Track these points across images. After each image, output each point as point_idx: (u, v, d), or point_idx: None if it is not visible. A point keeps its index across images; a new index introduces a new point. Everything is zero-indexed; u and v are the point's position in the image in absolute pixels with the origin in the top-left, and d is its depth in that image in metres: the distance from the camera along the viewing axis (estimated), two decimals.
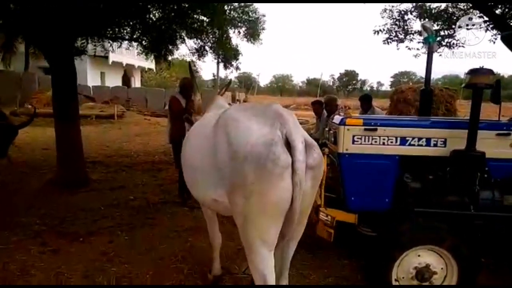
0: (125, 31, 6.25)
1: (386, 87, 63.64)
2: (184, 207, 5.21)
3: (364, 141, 3.15)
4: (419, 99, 4.19)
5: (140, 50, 6.95)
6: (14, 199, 5.37)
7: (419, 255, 2.83)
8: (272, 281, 2.01)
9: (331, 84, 67.35)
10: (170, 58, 7.45)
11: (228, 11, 7.29)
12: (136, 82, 30.01)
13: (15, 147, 6.65)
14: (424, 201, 3.16)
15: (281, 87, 69.84)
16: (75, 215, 4.85)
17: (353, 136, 3.14)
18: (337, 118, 3.42)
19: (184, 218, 4.84)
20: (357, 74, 67.88)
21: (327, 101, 6.10)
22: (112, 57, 23.33)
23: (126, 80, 28.18)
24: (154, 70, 32.39)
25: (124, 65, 26.39)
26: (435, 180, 3.19)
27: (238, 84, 57.00)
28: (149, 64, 27.28)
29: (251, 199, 1.93)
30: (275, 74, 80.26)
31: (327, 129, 3.82)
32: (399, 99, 15.12)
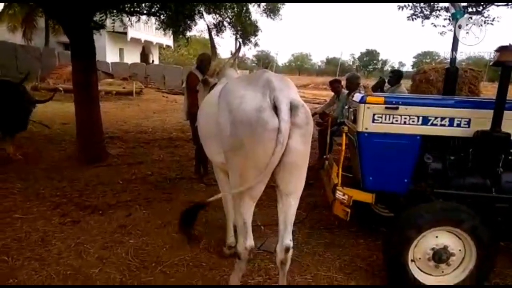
0: (143, 5, 6.19)
1: (408, 67, 62.02)
2: (201, 183, 5.26)
3: (385, 120, 3.07)
4: (441, 80, 4.07)
5: (158, 25, 6.88)
6: (35, 172, 5.50)
7: (437, 236, 2.78)
8: (249, 224, 2.49)
9: (351, 63, 66.09)
10: (188, 34, 7.37)
11: None
12: (154, 59, 30.03)
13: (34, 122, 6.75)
14: (444, 182, 3.10)
15: (299, 66, 68.91)
16: (94, 188, 4.95)
17: (374, 115, 3.07)
18: (357, 96, 3.34)
19: (201, 194, 4.88)
20: (378, 53, 66.40)
21: (349, 78, 5.98)
22: (131, 34, 23.36)
23: (144, 56, 28.22)
24: (172, 47, 32.30)
25: (142, 41, 26.40)
26: (457, 161, 3.12)
27: (256, 62, 56.46)
28: (167, 41, 27.21)
29: (246, 158, 2.23)
30: (293, 52, 78.99)
31: (346, 107, 3.74)
32: (421, 79, 14.77)
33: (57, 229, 3.76)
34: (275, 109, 2.15)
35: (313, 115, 6.52)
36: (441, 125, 3.05)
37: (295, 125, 2.20)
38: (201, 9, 6.55)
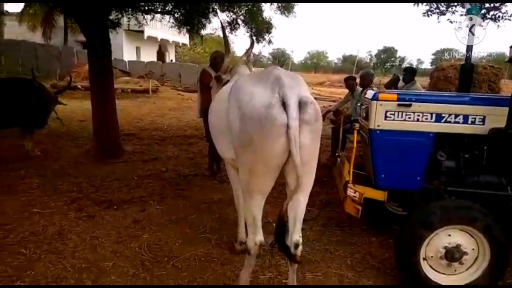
0: (157, 4, 6.26)
1: (427, 64, 61.06)
2: (214, 180, 5.30)
3: (397, 117, 3.05)
4: None
5: (173, 23, 6.95)
6: (53, 167, 5.63)
7: (449, 235, 2.75)
8: (259, 220, 2.51)
9: (368, 61, 65.39)
10: (203, 32, 7.42)
11: None
12: (171, 57, 30.27)
13: (58, 119, 6.93)
14: (458, 180, 3.06)
15: (315, 64, 68.53)
16: (110, 184, 5.04)
17: (386, 112, 3.05)
18: (369, 93, 3.32)
19: (214, 191, 4.93)
20: (396, 51, 65.58)
21: (363, 75, 5.94)
22: (147, 32, 23.57)
23: (161, 55, 28.46)
24: (188, 45, 32.49)
25: (159, 40, 26.62)
26: (471, 159, 3.07)
27: (272, 60, 56.40)
28: (183, 39, 27.38)
29: (255, 154, 2.25)
30: (309, 50, 78.64)
31: (358, 104, 3.73)
32: (439, 76, 14.47)
33: (73, 223, 3.85)
34: (284, 105, 2.16)
35: (327, 112, 6.61)
36: (455, 122, 3.02)
37: (304, 121, 2.21)
38: (215, 7, 6.59)
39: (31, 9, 19.62)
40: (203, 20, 6.77)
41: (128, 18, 6.47)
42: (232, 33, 7.65)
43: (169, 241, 3.56)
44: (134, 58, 24.32)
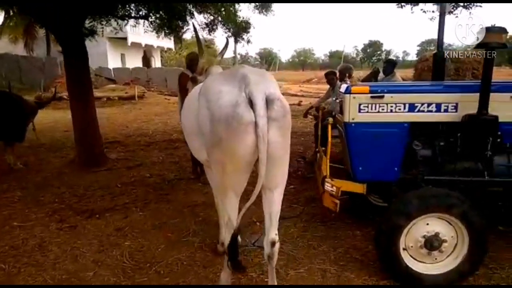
0: (131, 9, 6.21)
1: (413, 56, 61.62)
2: (198, 183, 5.27)
3: (371, 109, 3.05)
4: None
5: (147, 27, 6.90)
6: (35, 180, 5.56)
7: (427, 224, 2.75)
8: (234, 218, 2.43)
9: (354, 56, 65.82)
10: (182, 35, 7.37)
11: None
12: (156, 62, 30.14)
13: (33, 130, 6.82)
14: (434, 168, 3.07)
15: (303, 61, 68.79)
16: (93, 193, 4.99)
17: (360, 105, 3.05)
18: (343, 87, 3.32)
19: (198, 194, 4.89)
20: (382, 44, 66.14)
21: (341, 69, 5.98)
22: (131, 38, 23.50)
23: (146, 60, 28.34)
24: (174, 50, 32.39)
25: (143, 45, 26.50)
26: (446, 147, 3.09)
27: (259, 60, 56.51)
28: (168, 43, 27.29)
29: (225, 153, 2.24)
30: (296, 48, 78.97)
31: (333, 98, 3.73)
32: (423, 67, 14.60)
33: (54, 234, 3.80)
34: (251, 103, 2.14)
35: (310, 108, 6.62)
36: (428, 111, 3.03)
37: (272, 118, 2.18)
38: (192, 9, 6.55)
39: (11, 22, 19.42)
40: (180, 23, 6.73)
41: (102, 25, 6.41)
42: (210, 34, 7.62)
43: (151, 246, 3.52)
44: (119, 65, 24.20)
